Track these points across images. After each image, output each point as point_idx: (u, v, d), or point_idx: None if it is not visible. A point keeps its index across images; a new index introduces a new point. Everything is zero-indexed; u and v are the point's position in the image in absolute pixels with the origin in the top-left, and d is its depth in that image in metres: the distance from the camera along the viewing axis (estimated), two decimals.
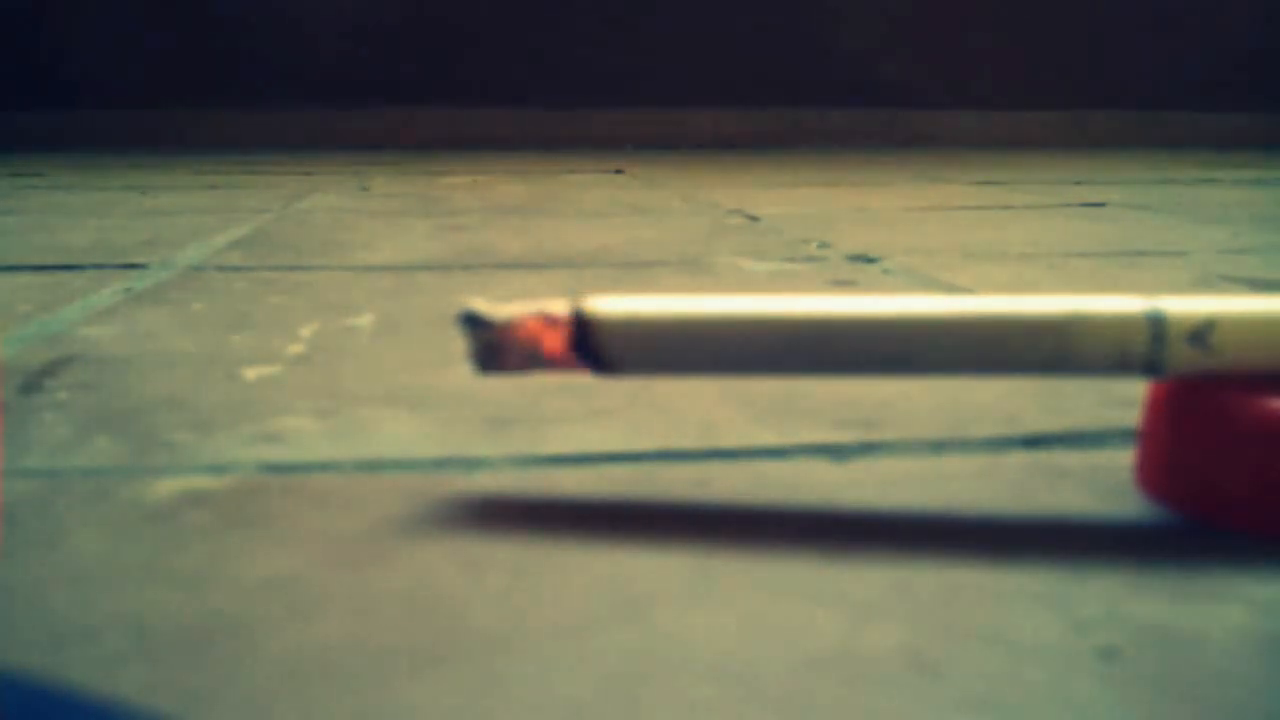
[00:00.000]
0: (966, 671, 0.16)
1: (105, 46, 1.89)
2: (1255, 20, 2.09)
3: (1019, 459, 0.26)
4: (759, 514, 0.22)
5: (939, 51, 2.04)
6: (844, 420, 0.29)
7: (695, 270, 0.54)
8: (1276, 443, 0.21)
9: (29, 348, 0.37)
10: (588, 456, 0.26)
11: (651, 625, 0.17)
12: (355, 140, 1.92)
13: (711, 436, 0.27)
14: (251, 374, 0.34)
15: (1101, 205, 0.89)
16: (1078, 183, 1.13)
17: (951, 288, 0.49)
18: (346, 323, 0.41)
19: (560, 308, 0.22)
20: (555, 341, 0.22)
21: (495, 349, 0.22)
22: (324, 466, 0.25)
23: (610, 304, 0.22)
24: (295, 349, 0.37)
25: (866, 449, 0.26)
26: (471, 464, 0.25)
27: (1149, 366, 0.21)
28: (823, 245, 0.63)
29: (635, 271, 0.54)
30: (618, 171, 1.31)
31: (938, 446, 0.27)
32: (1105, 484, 0.24)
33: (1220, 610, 0.18)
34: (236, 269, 0.55)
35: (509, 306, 0.23)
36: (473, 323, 0.22)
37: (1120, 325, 0.21)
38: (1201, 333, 0.21)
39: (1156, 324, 0.21)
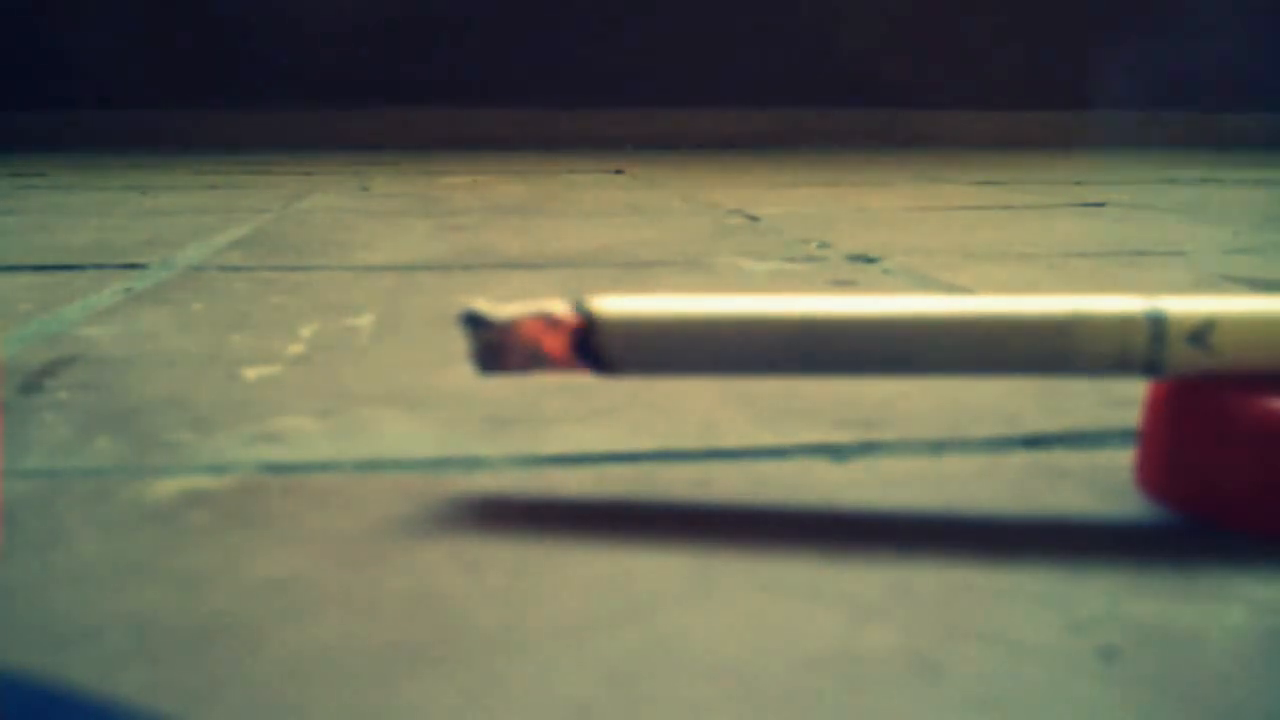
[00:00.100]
0: (966, 671, 0.16)
1: (105, 46, 1.89)
2: (1256, 20, 2.09)
3: (1019, 459, 0.26)
4: (759, 514, 0.22)
5: (939, 51, 2.04)
6: (844, 420, 0.29)
7: (695, 270, 0.54)
8: (1276, 443, 0.21)
9: (29, 348, 0.37)
10: (588, 456, 0.26)
11: (651, 625, 0.17)
12: (355, 140, 1.92)
13: (711, 436, 0.27)
14: (251, 374, 0.34)
15: (1101, 205, 0.89)
16: (1078, 183, 1.13)
17: (951, 288, 0.49)
18: (346, 323, 0.41)
19: (561, 308, 0.22)
20: (557, 342, 0.22)
21: (496, 349, 0.22)
22: (324, 466, 0.25)
23: (614, 304, 0.22)
24: (295, 349, 0.37)
25: (866, 449, 0.26)
26: (471, 464, 0.25)
27: (1149, 366, 0.21)
28: (823, 245, 0.63)
29: (635, 271, 0.54)
30: (618, 171, 1.31)
31: (938, 446, 0.27)
32: (1105, 484, 0.24)
33: (1220, 610, 0.18)
34: (237, 269, 0.55)
35: (510, 306, 0.23)
36: (474, 323, 0.22)
37: (1120, 325, 0.21)
38: (1201, 333, 0.21)
39: (1156, 324, 0.21)
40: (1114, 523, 0.22)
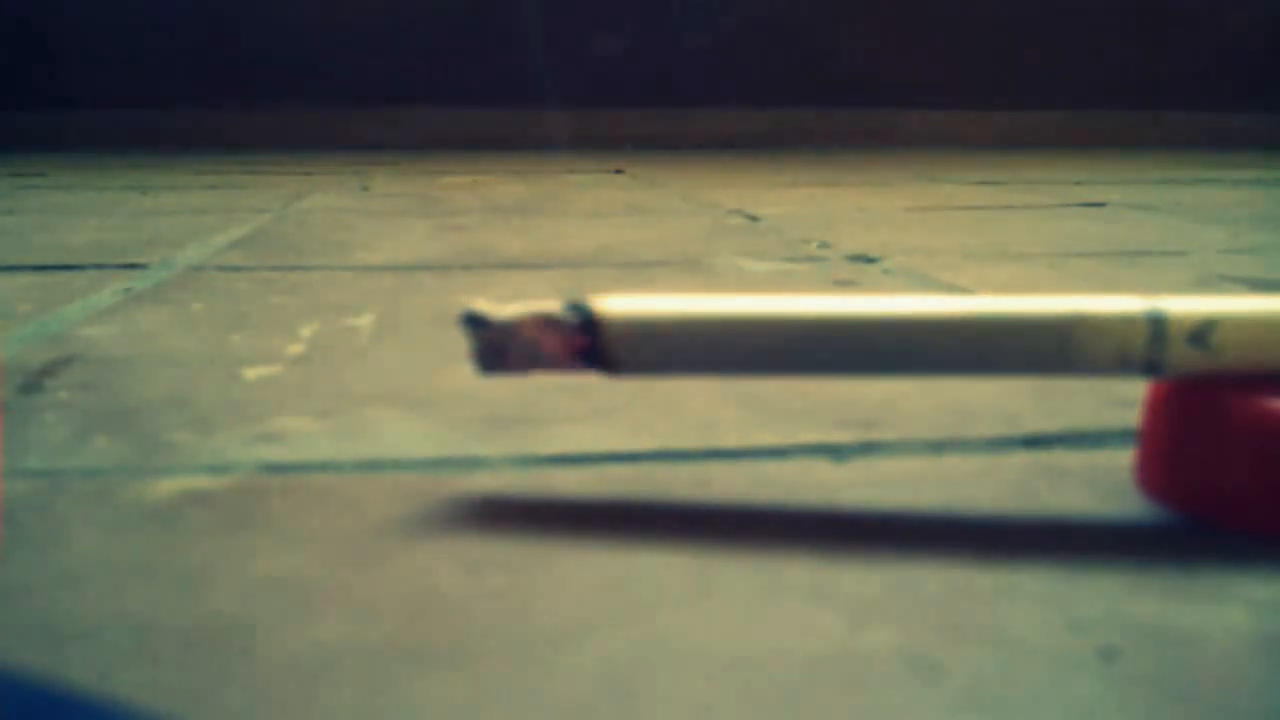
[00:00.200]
0: (966, 671, 0.16)
1: (105, 46, 1.89)
2: (1255, 20, 2.09)
3: (1019, 459, 0.26)
4: (759, 514, 0.22)
5: (939, 51, 2.04)
6: (844, 420, 0.29)
7: (695, 270, 0.54)
8: (1276, 443, 0.21)
9: (29, 348, 0.37)
10: (588, 456, 0.26)
11: (651, 625, 0.17)
12: (355, 140, 1.92)
13: (711, 436, 0.27)
14: (251, 374, 0.34)
15: (1101, 205, 0.89)
16: (1078, 183, 1.13)
17: (951, 288, 0.49)
18: (346, 323, 0.41)
19: (563, 308, 0.22)
20: (560, 342, 0.22)
21: (498, 349, 0.22)
22: (324, 466, 0.25)
23: (619, 304, 0.22)
24: (295, 349, 0.37)
25: (866, 449, 0.26)
26: (471, 464, 0.25)
27: (1149, 366, 0.21)
28: (823, 245, 0.63)
29: (635, 271, 0.54)
30: (618, 171, 1.31)
31: (938, 446, 0.27)
32: (1105, 484, 0.24)
33: (1220, 610, 0.18)
34: (236, 269, 0.55)
35: (511, 307, 0.23)
36: (475, 323, 0.22)
37: (1120, 325, 0.21)
38: (1201, 333, 0.21)
39: (1156, 324, 0.21)
40: (1114, 523, 0.22)
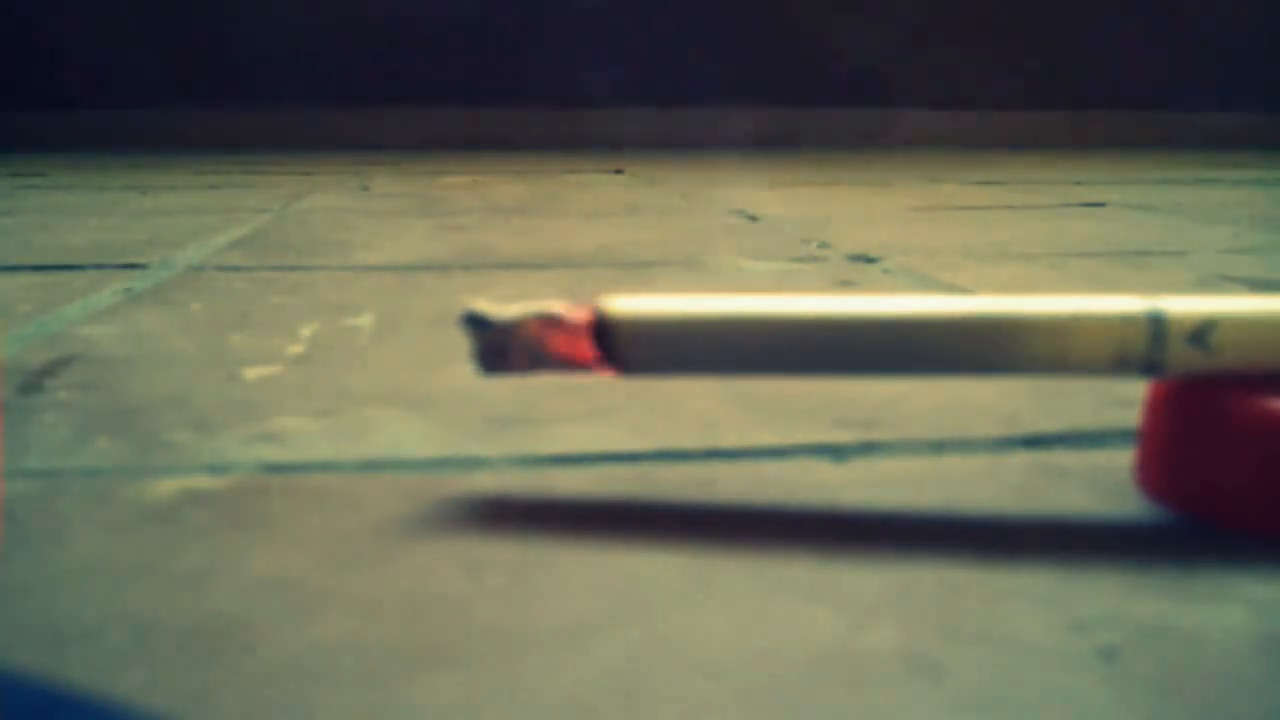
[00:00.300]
0: (966, 671, 0.16)
1: (106, 46, 1.89)
2: (1256, 20, 2.09)
3: (1019, 459, 0.26)
4: (759, 514, 0.22)
5: (939, 51, 2.04)
6: (844, 420, 0.29)
7: (696, 270, 0.54)
8: (1276, 443, 0.21)
9: (29, 348, 0.37)
10: (588, 456, 0.26)
11: (651, 625, 0.17)
12: (355, 140, 1.92)
13: (712, 436, 0.27)
14: (251, 374, 0.34)
15: (1101, 205, 0.89)
16: (1078, 183, 1.13)
17: (951, 288, 0.49)
18: (346, 323, 0.41)
19: (564, 307, 0.22)
20: (563, 342, 0.22)
21: (499, 350, 0.22)
22: (324, 466, 0.25)
23: (628, 304, 0.22)
24: (295, 349, 0.37)
25: (866, 449, 0.26)
26: (471, 464, 0.25)
27: (1149, 366, 0.21)
28: (823, 245, 0.63)
29: (636, 271, 0.54)
30: (618, 171, 1.31)
31: (938, 446, 0.27)
32: (1105, 484, 0.24)
33: (1220, 610, 0.18)
34: (236, 269, 0.55)
35: (512, 307, 0.23)
36: (476, 323, 0.22)
37: (1120, 325, 0.21)
38: (1201, 333, 0.21)
39: (1156, 324, 0.21)
40: (1114, 523, 0.22)
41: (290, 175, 1.24)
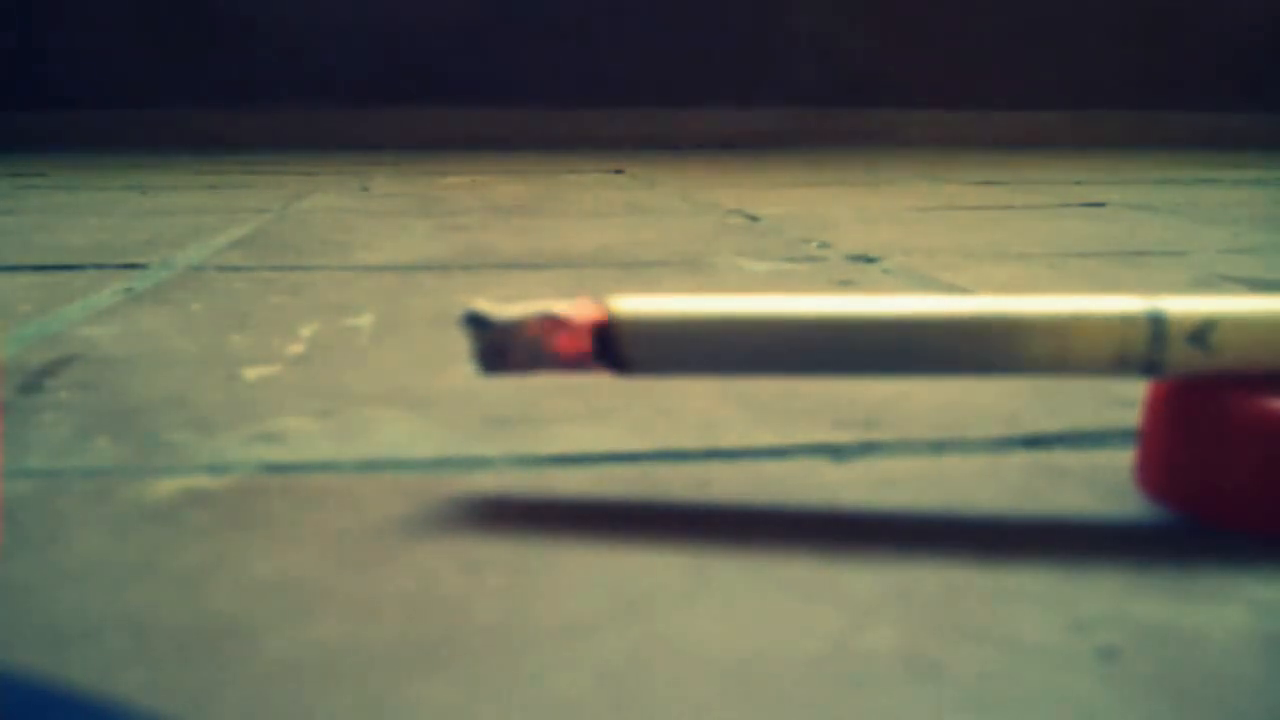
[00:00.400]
0: (966, 671, 0.16)
1: (105, 46, 1.89)
2: (1255, 20, 2.09)
3: (1019, 459, 0.26)
4: (759, 514, 0.22)
5: (939, 51, 2.04)
6: (844, 420, 0.29)
7: (696, 270, 0.54)
8: (1276, 443, 0.21)
9: (29, 348, 0.37)
10: (588, 456, 0.26)
11: (651, 625, 0.17)
12: (355, 140, 1.92)
13: (711, 436, 0.27)
14: (251, 374, 0.34)
15: (1101, 205, 0.89)
16: (1078, 183, 1.13)
17: (951, 288, 0.49)
18: (346, 323, 0.41)
19: (565, 307, 0.22)
20: (566, 342, 0.22)
21: (500, 350, 0.22)
22: (324, 466, 0.25)
23: (632, 303, 0.22)
24: (295, 349, 0.37)
25: (866, 449, 0.26)
26: (471, 464, 0.25)
27: (1149, 366, 0.21)
28: (823, 245, 0.63)
29: (636, 271, 0.54)
30: (618, 171, 1.31)
31: (938, 446, 0.27)
32: (1105, 484, 0.24)
33: (1220, 610, 0.18)
34: (236, 269, 0.55)
35: (513, 307, 0.23)
36: (477, 323, 0.22)
37: (1120, 325, 0.21)
38: (1201, 333, 0.21)
39: (1156, 324, 0.21)
40: (1114, 523, 0.22)
41: (290, 175, 1.24)
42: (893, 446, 0.27)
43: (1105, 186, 1.08)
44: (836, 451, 0.26)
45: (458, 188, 1.07)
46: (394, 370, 0.34)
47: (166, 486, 0.24)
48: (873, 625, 0.17)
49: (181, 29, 1.90)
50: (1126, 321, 0.21)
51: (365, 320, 0.42)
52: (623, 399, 0.30)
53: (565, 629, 0.17)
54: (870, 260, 0.57)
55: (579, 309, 0.22)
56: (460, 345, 0.37)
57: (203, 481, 0.24)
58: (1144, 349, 0.21)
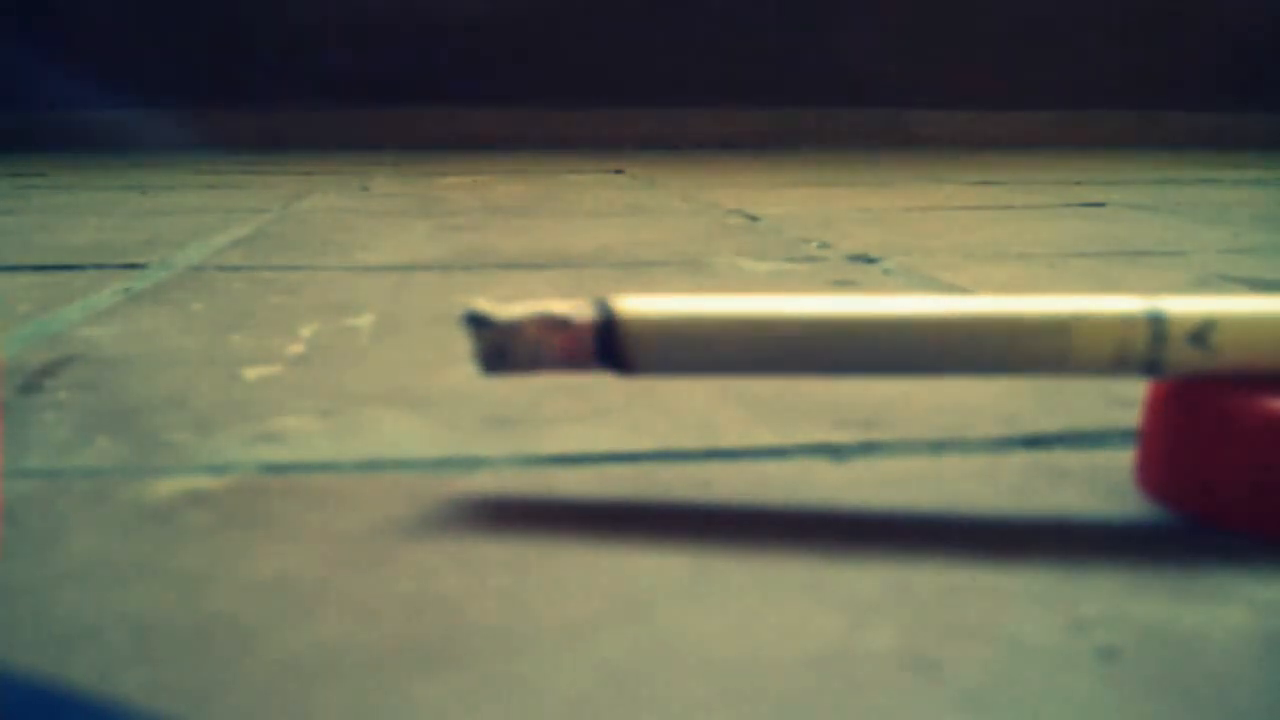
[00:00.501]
0: (966, 671, 0.16)
1: (105, 46, 1.89)
2: (1255, 20, 2.09)
3: (1019, 459, 0.26)
4: (759, 514, 0.22)
5: (939, 51, 2.04)
6: (844, 420, 0.29)
7: (696, 270, 0.54)
8: (1276, 443, 0.21)
9: (29, 348, 0.37)
10: (588, 456, 0.26)
11: (651, 625, 0.17)
12: (355, 140, 1.92)
13: (711, 436, 0.27)
14: (251, 374, 0.34)
15: (1101, 205, 0.89)
16: (1078, 183, 1.13)
17: (951, 288, 0.49)
18: (346, 323, 0.41)
19: (567, 307, 0.22)
20: (568, 341, 0.22)
21: (500, 349, 0.22)
22: (324, 466, 0.25)
23: (635, 303, 0.22)
24: (295, 349, 0.37)
25: (866, 449, 0.26)
26: (471, 464, 0.25)
27: (1149, 366, 0.21)
28: (823, 245, 0.63)
29: (636, 271, 0.54)
30: (618, 171, 1.31)
31: (938, 446, 0.27)
32: (1105, 484, 0.24)
33: (1220, 610, 0.18)
34: (236, 269, 0.55)
35: (514, 307, 0.23)
36: (477, 323, 0.22)
37: (1120, 325, 0.21)
38: (1201, 333, 0.21)
39: (1156, 324, 0.21)
40: (1114, 523, 0.22)
41: (290, 175, 1.24)
42: (893, 446, 0.27)
43: (1105, 186, 1.08)
44: (836, 451, 0.26)
45: (458, 188, 1.07)
46: (394, 370, 0.34)
47: (166, 486, 0.24)
48: (873, 625, 0.17)
49: (182, 29, 1.90)
50: (1126, 321, 0.21)
51: (365, 320, 0.42)
52: (623, 399, 0.30)
53: (565, 629, 0.17)
54: (870, 260, 0.57)
55: (580, 309, 0.22)
56: (460, 345, 0.37)
57: (203, 481, 0.24)
58: (1144, 349, 0.21)
